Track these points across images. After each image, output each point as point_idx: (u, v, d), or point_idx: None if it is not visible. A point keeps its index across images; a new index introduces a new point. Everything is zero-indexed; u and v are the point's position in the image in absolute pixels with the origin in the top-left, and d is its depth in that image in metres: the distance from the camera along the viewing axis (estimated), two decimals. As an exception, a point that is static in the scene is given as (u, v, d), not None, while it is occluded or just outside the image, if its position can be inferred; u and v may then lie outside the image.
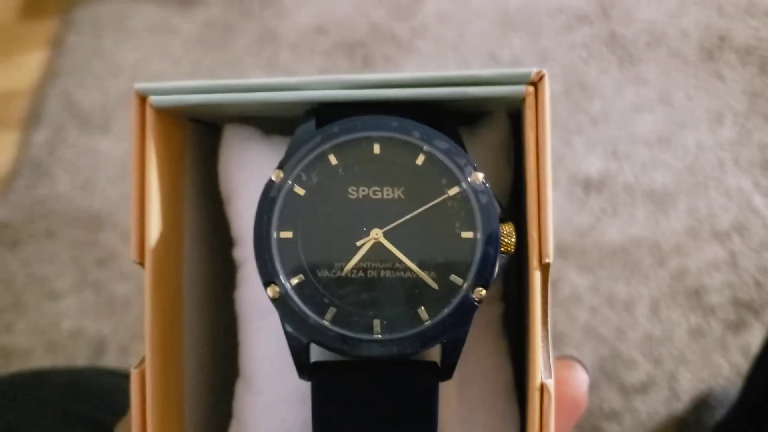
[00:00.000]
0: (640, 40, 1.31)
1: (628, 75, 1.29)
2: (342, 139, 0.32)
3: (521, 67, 0.32)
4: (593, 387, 1.10)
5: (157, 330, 0.33)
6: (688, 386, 1.11)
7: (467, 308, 0.32)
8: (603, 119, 1.27)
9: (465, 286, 0.32)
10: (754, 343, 1.12)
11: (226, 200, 0.37)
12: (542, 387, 0.31)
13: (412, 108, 0.32)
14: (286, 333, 0.32)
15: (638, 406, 1.10)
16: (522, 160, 0.36)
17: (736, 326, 1.14)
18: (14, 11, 1.54)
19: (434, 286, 0.32)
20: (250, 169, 0.36)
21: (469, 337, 0.32)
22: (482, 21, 1.37)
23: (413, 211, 0.32)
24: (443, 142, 0.32)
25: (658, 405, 1.10)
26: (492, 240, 0.32)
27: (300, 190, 0.32)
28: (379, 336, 0.31)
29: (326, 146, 0.32)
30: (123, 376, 0.57)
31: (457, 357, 0.32)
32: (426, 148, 0.32)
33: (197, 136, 0.38)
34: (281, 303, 0.31)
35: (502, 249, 0.32)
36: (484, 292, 0.32)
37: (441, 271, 0.32)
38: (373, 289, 0.32)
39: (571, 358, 0.34)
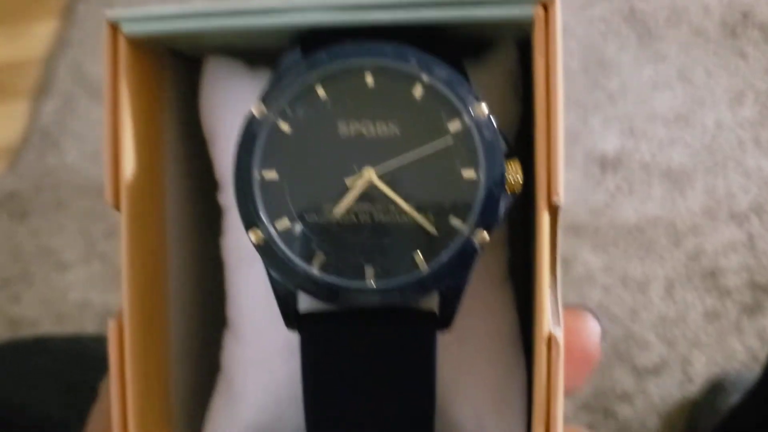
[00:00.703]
0: (660, 16, 1.29)
1: (647, 51, 1.27)
2: (331, 67, 0.29)
3: None
4: (605, 367, 1.09)
5: (137, 279, 0.31)
6: (702, 369, 1.09)
7: (468, 254, 0.29)
8: (620, 96, 1.25)
9: (466, 229, 0.29)
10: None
11: (210, 140, 0.35)
12: (550, 337, 0.29)
13: (410, 34, 0.29)
14: (272, 281, 0.30)
15: (651, 389, 1.08)
16: (531, 92, 0.33)
17: (752, 309, 1.12)
18: (25, -19, 1.53)
19: (432, 229, 0.30)
20: (234, 107, 0.34)
21: (471, 285, 0.30)
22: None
23: (409, 148, 0.29)
24: (443, 71, 0.29)
25: (671, 387, 1.08)
26: (496, 179, 0.29)
27: (285, 126, 0.29)
28: (372, 284, 0.29)
29: (313, 76, 0.29)
30: None
31: (457, 306, 0.30)
32: (424, 77, 0.29)
33: (177, 70, 0.36)
34: (265, 249, 0.29)
35: (508, 189, 0.30)
36: (486, 236, 0.29)
37: (440, 213, 0.30)
38: (366, 233, 0.30)
39: (582, 306, 0.32)
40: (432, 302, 0.31)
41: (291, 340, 0.32)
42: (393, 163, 0.29)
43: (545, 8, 0.29)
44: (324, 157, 0.29)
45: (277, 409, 0.34)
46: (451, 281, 0.30)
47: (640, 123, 1.23)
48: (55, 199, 1.31)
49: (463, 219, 0.29)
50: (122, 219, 0.30)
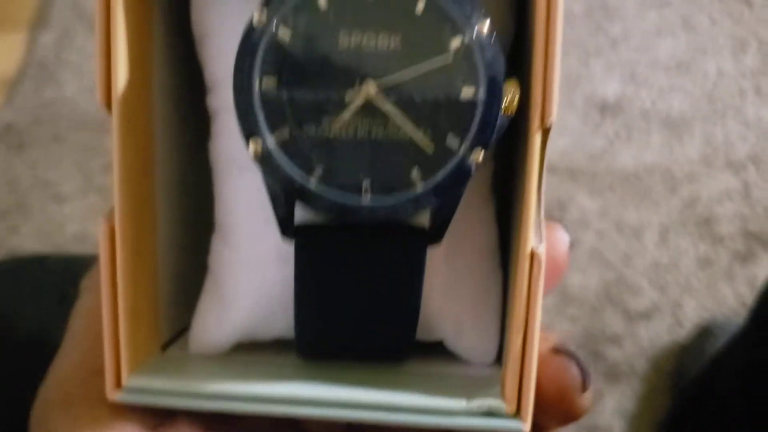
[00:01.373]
0: (667, -39, 1.27)
1: (652, -3, 1.26)
2: None
3: None
4: (596, 310, 1.10)
5: (127, 180, 0.31)
6: (692, 314, 1.11)
7: (463, 173, 0.29)
8: (623, 42, 1.24)
9: (462, 148, 0.29)
10: (761, 275, 1.11)
11: (199, 41, 0.34)
12: (533, 254, 0.29)
13: None
14: (269, 192, 0.30)
15: (640, 332, 1.10)
16: (525, 11, 0.33)
17: (744, 257, 1.14)
18: None
19: (429, 147, 0.29)
20: (226, 7, 0.33)
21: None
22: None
23: (410, 63, 0.29)
24: None
25: (661, 331, 1.10)
26: (495, 99, 0.29)
27: (285, 35, 0.29)
28: (369, 199, 0.29)
29: None
30: None
31: (448, 222, 0.30)
32: None
33: None
34: (264, 159, 0.29)
35: (505, 111, 0.29)
36: (481, 155, 0.29)
37: (437, 131, 0.29)
38: (363, 148, 0.29)
39: (552, 219, 0.32)
40: (423, 218, 0.31)
41: (282, 246, 0.32)
42: (393, 78, 0.29)
43: None
44: (324, 69, 0.29)
45: (268, 311, 0.34)
46: (444, 199, 0.30)
47: (641, 69, 1.23)
48: (52, 132, 1.31)
49: (461, 138, 0.29)
50: (113, 120, 0.30)
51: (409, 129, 0.29)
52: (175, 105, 0.36)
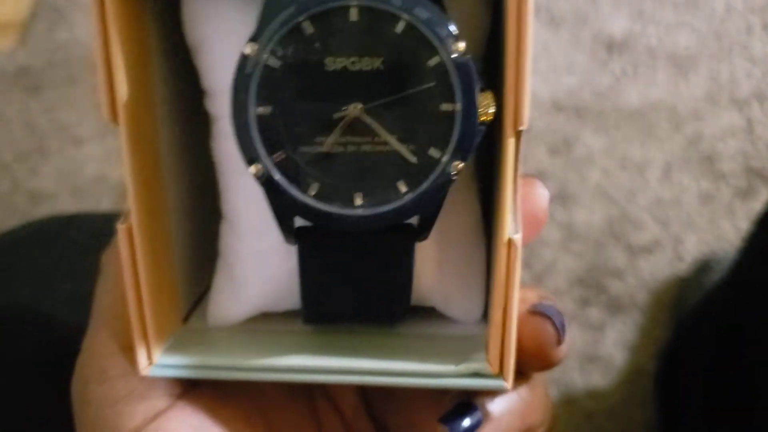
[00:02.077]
0: None
1: (662, -69, 1.24)
2: (318, 8, 0.30)
3: None
4: (600, 245, 1.13)
5: (140, 184, 0.34)
6: (693, 249, 1.14)
7: (445, 181, 0.32)
8: (631, -22, 1.23)
9: (444, 159, 0.32)
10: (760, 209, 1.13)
11: (194, 51, 0.36)
12: (510, 242, 0.32)
13: None
14: (271, 206, 0.33)
15: (642, 266, 1.13)
16: (500, 16, 0.34)
17: (745, 193, 1.16)
18: None
19: (413, 160, 0.32)
20: (216, 20, 0.35)
21: None
22: None
23: (392, 84, 0.31)
24: (424, 11, 0.30)
25: (662, 265, 1.13)
26: (471, 113, 0.31)
27: (275, 63, 0.31)
28: (360, 210, 0.32)
29: (302, 17, 0.30)
30: None
31: (434, 222, 0.33)
32: (406, 17, 0.30)
33: None
34: (265, 181, 0.32)
35: (481, 119, 0.32)
36: (461, 165, 0.32)
37: (420, 144, 0.32)
38: (353, 163, 0.32)
39: (531, 176, 0.35)
40: (412, 218, 0.34)
41: None
42: (377, 97, 0.31)
43: None
44: (313, 92, 0.31)
45: (276, 293, 0.38)
46: (429, 205, 0.32)
47: (649, 5, 1.22)
48: (67, 74, 1.32)
49: (442, 150, 0.32)
50: (121, 131, 0.32)
51: (394, 144, 0.32)
52: (176, 105, 0.39)
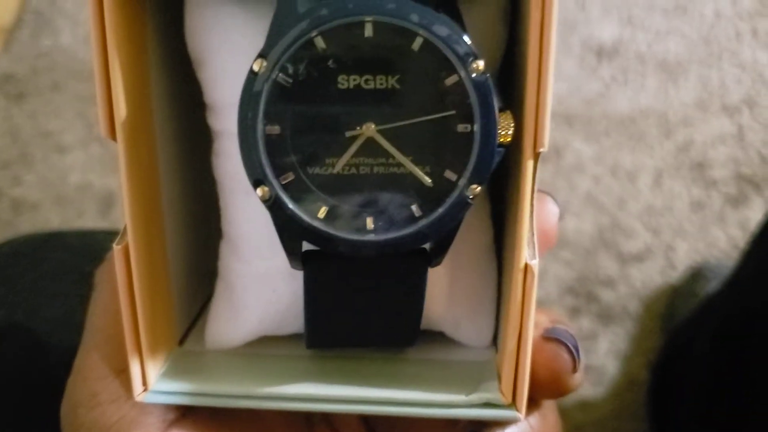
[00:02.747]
0: None
1: (651, -63, 1.24)
2: (332, 23, 0.29)
3: None
4: (591, 254, 1.12)
5: (137, 202, 0.32)
6: (684, 257, 1.13)
7: (462, 206, 0.30)
8: (620, -17, 1.23)
9: (461, 182, 0.30)
10: (753, 218, 1.13)
11: (196, 64, 0.35)
12: (526, 267, 0.31)
13: None
14: (278, 230, 0.31)
15: (634, 274, 1.12)
16: (518, 32, 0.33)
17: (737, 200, 1.15)
18: None
19: (429, 183, 0.30)
20: (220, 34, 0.34)
21: None
22: None
23: (408, 103, 0.30)
24: (443, 28, 0.29)
25: (654, 274, 1.12)
26: (490, 134, 0.30)
27: (285, 80, 0.29)
28: (372, 235, 0.30)
29: (314, 32, 0.29)
30: None
31: (448, 248, 0.32)
32: (424, 33, 0.29)
33: None
34: (272, 204, 0.30)
35: (500, 140, 0.30)
36: (478, 189, 0.30)
37: (436, 167, 0.30)
38: (366, 186, 0.30)
39: (541, 191, 0.34)
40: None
41: None
42: (392, 117, 0.30)
43: None
44: (325, 111, 0.30)
45: (278, 318, 0.36)
46: (444, 231, 0.31)
47: (638, 12, 1.22)
48: (51, 82, 1.31)
49: (459, 173, 0.30)
50: (119, 148, 0.31)
51: (409, 166, 0.30)
52: (174, 121, 0.37)
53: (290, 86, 0.29)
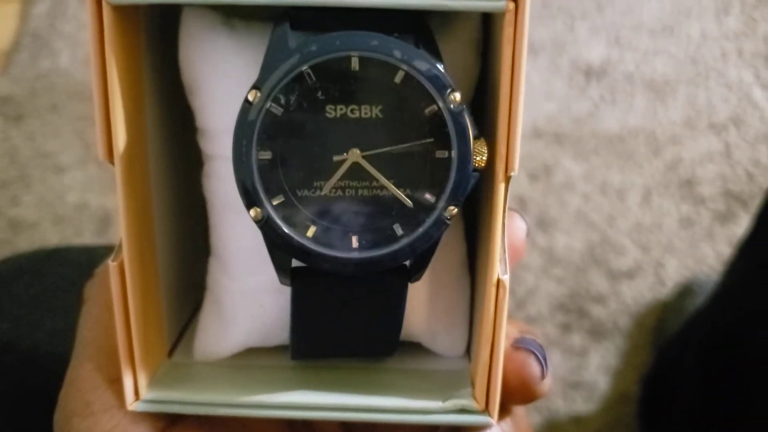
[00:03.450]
0: (652, -77, 1.28)
1: (637, -40, 1.26)
2: (321, 58, 0.31)
3: None
4: (581, 271, 1.14)
5: (132, 221, 0.34)
6: (674, 273, 1.14)
7: (439, 225, 0.33)
8: (608, 4, 1.25)
9: (439, 204, 0.32)
10: (741, 234, 1.13)
11: (189, 90, 0.37)
12: (498, 282, 0.33)
13: (391, 16, 0.32)
14: (268, 249, 0.33)
15: (624, 291, 1.14)
16: (490, 62, 0.36)
17: (725, 217, 1.17)
18: None
19: (409, 204, 0.33)
20: (213, 62, 0.35)
21: None
22: None
23: (390, 131, 0.32)
24: (424, 63, 0.31)
25: (644, 290, 1.14)
26: (466, 160, 0.32)
27: (277, 110, 0.31)
28: (357, 253, 0.33)
29: (304, 66, 0.31)
30: None
31: (427, 265, 0.34)
32: (406, 68, 0.31)
33: (153, 19, 0.37)
34: (264, 225, 0.32)
35: (476, 165, 0.32)
36: (455, 210, 0.32)
37: (416, 190, 0.33)
38: (351, 207, 0.33)
39: (510, 209, 0.36)
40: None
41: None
42: (375, 144, 0.32)
43: (516, 2, 0.31)
44: (313, 138, 0.32)
45: (265, 332, 0.38)
46: (424, 248, 0.33)
47: (626, 32, 1.24)
48: (49, 103, 1.32)
49: (437, 195, 0.32)
50: (117, 172, 0.33)
51: (391, 189, 0.33)
52: (166, 144, 0.39)
53: (282, 115, 0.32)
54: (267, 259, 0.33)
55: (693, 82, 1.21)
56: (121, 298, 0.34)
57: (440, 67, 0.32)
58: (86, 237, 1.22)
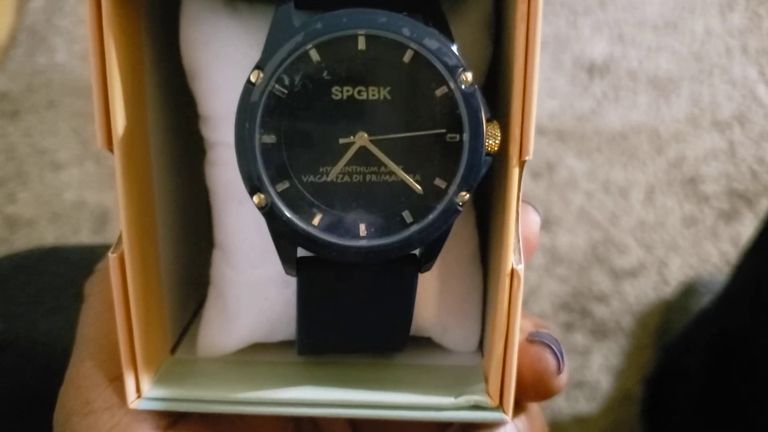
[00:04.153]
0: None
1: (641, -44, 1.25)
2: (326, 37, 0.30)
3: None
4: (584, 269, 1.13)
5: (132, 211, 0.33)
6: (677, 272, 1.13)
7: (451, 212, 0.31)
8: (611, 1, 1.24)
9: (450, 190, 0.31)
10: (745, 233, 1.14)
11: (191, 76, 0.36)
12: (512, 272, 0.32)
13: None
14: (273, 237, 0.32)
15: (627, 290, 1.13)
16: (503, 45, 0.34)
17: (729, 215, 1.16)
18: None
19: (419, 190, 0.31)
20: (215, 46, 0.34)
21: None
22: None
23: (399, 113, 0.31)
24: (434, 41, 0.30)
25: (647, 289, 1.13)
26: (478, 144, 0.31)
27: (281, 91, 0.30)
28: (365, 241, 0.31)
29: (309, 45, 0.30)
30: None
31: (438, 253, 0.33)
32: (414, 46, 0.30)
33: (153, 1, 0.35)
34: (268, 211, 0.31)
35: (488, 149, 0.31)
36: (467, 196, 0.31)
37: (426, 175, 0.31)
38: (359, 193, 0.31)
39: (523, 201, 0.34)
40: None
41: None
42: (383, 127, 0.31)
43: None
44: (319, 121, 0.31)
45: (270, 326, 0.36)
46: (434, 236, 0.32)
47: (629, 29, 1.23)
48: (46, 99, 1.31)
49: (448, 181, 0.31)
50: (116, 160, 0.32)
51: (400, 174, 0.31)
52: (168, 132, 0.38)
53: (286, 97, 0.30)
54: (272, 250, 0.32)
55: (697, 79, 1.20)
56: (121, 292, 0.33)
57: (452, 46, 0.30)
58: (84, 235, 1.22)
